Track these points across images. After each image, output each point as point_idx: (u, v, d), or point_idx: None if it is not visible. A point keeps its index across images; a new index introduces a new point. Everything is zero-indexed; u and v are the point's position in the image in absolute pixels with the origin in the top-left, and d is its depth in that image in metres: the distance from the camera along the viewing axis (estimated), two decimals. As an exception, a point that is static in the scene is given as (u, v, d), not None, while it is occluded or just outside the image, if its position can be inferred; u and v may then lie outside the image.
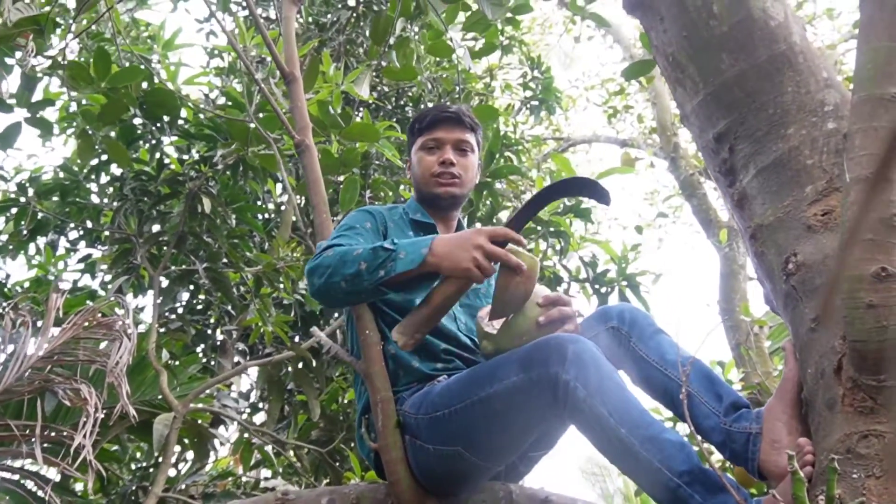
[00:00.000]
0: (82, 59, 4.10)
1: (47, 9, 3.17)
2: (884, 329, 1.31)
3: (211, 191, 3.91)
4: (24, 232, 4.25)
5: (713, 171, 1.96)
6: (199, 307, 5.12)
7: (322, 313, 4.38)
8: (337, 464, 4.15)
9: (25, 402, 2.62)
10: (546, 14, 11.33)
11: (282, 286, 4.23)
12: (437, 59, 5.43)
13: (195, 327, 4.90)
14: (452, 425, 1.80)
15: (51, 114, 5.02)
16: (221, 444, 4.30)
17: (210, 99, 4.97)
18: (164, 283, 4.33)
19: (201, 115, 4.06)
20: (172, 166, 4.14)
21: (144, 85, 3.87)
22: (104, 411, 2.84)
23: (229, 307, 4.71)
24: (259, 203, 4.82)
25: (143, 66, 3.71)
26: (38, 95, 3.72)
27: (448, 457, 1.83)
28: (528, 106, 6.77)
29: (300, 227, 4.33)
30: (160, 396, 3.46)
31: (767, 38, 1.82)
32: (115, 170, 4.22)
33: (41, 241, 4.54)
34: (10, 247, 4.43)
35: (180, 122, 4.10)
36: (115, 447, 3.96)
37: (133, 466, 4.45)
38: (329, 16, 6.02)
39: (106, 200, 4.33)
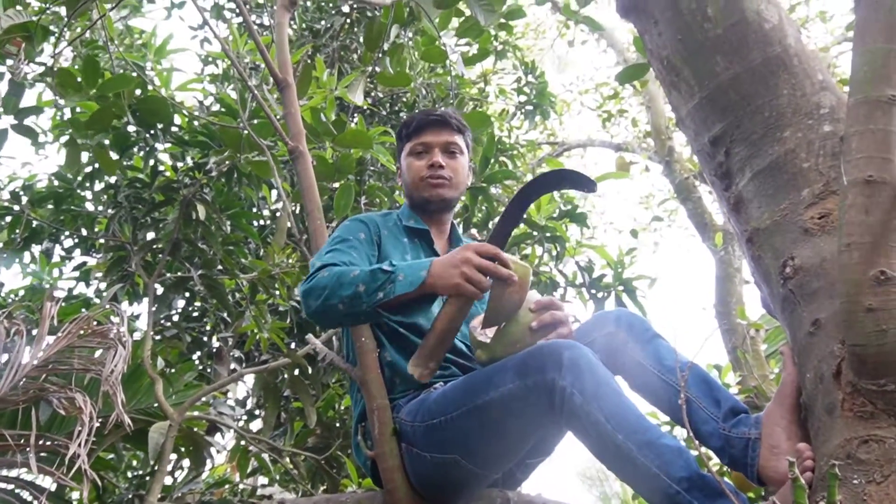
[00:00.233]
0: (76, 67, 4.09)
1: (36, 17, 3.15)
2: (883, 333, 1.30)
3: (205, 197, 3.89)
4: (19, 240, 4.23)
5: (709, 174, 1.95)
6: (195, 314, 5.11)
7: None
8: (334, 471, 4.13)
9: (20, 411, 2.60)
10: (539, 19, 11.35)
11: (277, 293, 4.21)
12: (431, 65, 5.43)
13: (191, 335, 4.88)
14: (449, 433, 1.79)
15: (44, 121, 5.00)
16: (218, 451, 4.29)
17: (204, 106, 4.96)
18: (160, 290, 4.31)
19: (195, 122, 4.04)
20: (167, 173, 4.13)
21: (138, 92, 3.86)
22: (99, 420, 2.82)
23: (225, 314, 4.69)
24: (254, 210, 4.81)
25: (135, 74, 3.69)
26: (29, 102, 3.71)
27: (445, 464, 1.82)
28: (523, 111, 6.77)
29: (295, 233, 4.32)
30: (156, 405, 3.44)
31: (762, 41, 1.82)
32: (110, 177, 4.21)
33: (36, 249, 4.53)
34: (5, 255, 4.40)
35: (174, 129, 4.09)
36: (111, 456, 3.94)
37: (129, 475, 4.43)
38: (322, 22, 6.02)
39: (100, 208, 4.31)
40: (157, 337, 4.60)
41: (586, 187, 1.86)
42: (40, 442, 2.67)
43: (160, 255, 4.07)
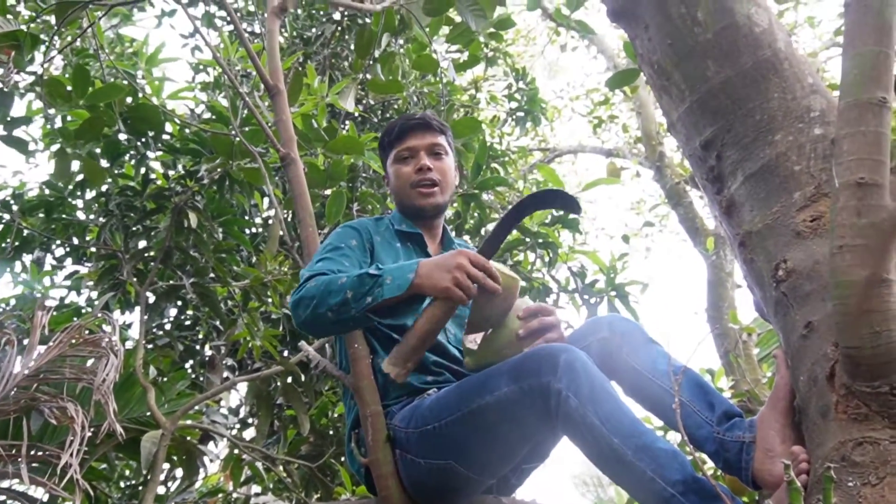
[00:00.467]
0: (67, 76, 4.07)
1: (24, 26, 3.14)
2: (877, 335, 1.30)
3: (197, 205, 3.88)
4: (9, 249, 4.20)
5: (700, 178, 1.95)
6: (188, 323, 5.09)
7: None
8: (328, 479, 4.12)
9: (11, 421, 2.59)
10: (530, 25, 11.38)
11: (270, 300, 4.20)
12: (422, 74, 5.44)
13: (183, 343, 4.86)
14: (443, 438, 1.78)
15: (35, 130, 4.98)
16: (211, 460, 4.26)
17: (195, 114, 4.95)
18: (152, 298, 4.29)
19: (186, 130, 4.04)
20: (158, 181, 4.12)
21: (129, 100, 3.85)
22: (91, 429, 2.80)
23: (217, 322, 4.67)
24: (246, 217, 4.80)
25: (125, 82, 3.68)
26: (19, 112, 3.69)
27: (439, 471, 1.81)
28: (514, 117, 6.78)
29: (287, 241, 4.31)
30: (148, 414, 3.42)
31: (752, 45, 1.83)
32: (100, 186, 4.19)
33: (27, 258, 4.50)
34: (-5, 264, 4.38)
35: (165, 136, 4.08)
36: (104, 466, 3.91)
37: (122, 485, 4.40)
38: (314, 30, 6.02)
39: (91, 217, 4.30)
40: (150, 346, 4.59)
41: (574, 209, 1.89)
42: (32, 452, 2.64)
43: (152, 264, 4.05)
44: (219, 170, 3.76)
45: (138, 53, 4.75)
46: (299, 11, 6.38)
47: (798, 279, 1.59)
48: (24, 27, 3.32)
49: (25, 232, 4.21)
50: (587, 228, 11.46)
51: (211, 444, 4.60)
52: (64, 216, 4.21)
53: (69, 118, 3.77)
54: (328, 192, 3.61)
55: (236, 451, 4.08)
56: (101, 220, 4.09)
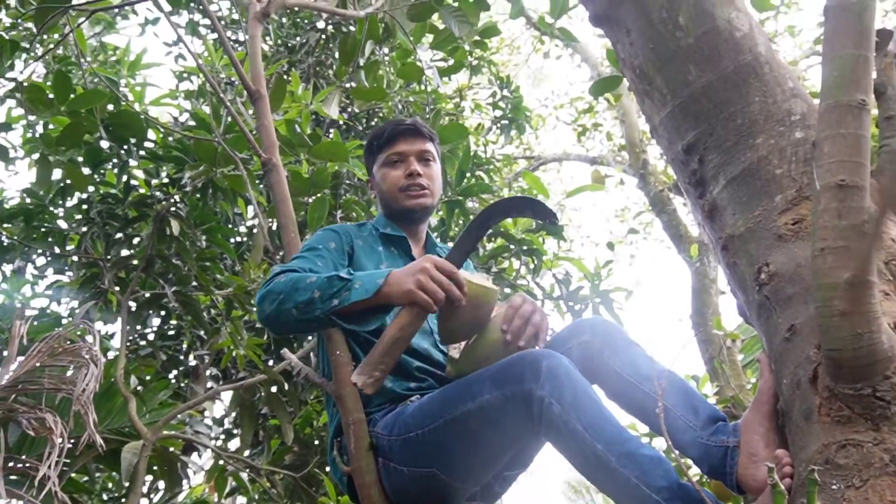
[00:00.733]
0: (48, 83, 4.04)
1: (4, 33, 3.11)
2: (859, 337, 1.30)
3: (179, 213, 3.85)
4: (-11, 258, 4.16)
5: (683, 182, 1.95)
6: (171, 333, 5.05)
7: (295, 336, 4.33)
8: (313, 489, 4.08)
9: (-11, 432, 2.55)
10: (514, 34, 11.41)
11: (254, 309, 4.17)
12: (407, 83, 5.44)
13: (167, 353, 4.82)
14: (426, 446, 1.76)
15: (14, 137, 4.93)
16: (195, 472, 4.22)
17: (179, 122, 4.92)
18: (134, 307, 4.26)
19: (169, 138, 4.01)
20: (140, 189, 4.08)
21: (112, 108, 3.82)
22: (71, 441, 2.77)
23: (201, 332, 4.64)
24: (230, 225, 4.77)
25: (107, 89, 3.65)
26: (-1, 119, 3.66)
27: (422, 478, 1.79)
28: (499, 125, 6.79)
29: (270, 249, 4.29)
30: (130, 424, 3.39)
31: (733, 49, 1.83)
32: (82, 193, 4.15)
33: (7, 267, 4.45)
34: (-25, 274, 4.33)
35: (148, 144, 4.05)
36: (85, 478, 3.87)
37: (105, 497, 4.35)
38: (298, 38, 6.01)
39: (73, 225, 4.26)
40: (132, 356, 4.55)
41: (548, 218, 1.84)
42: (9, 464, 2.61)
43: (134, 272, 4.02)
44: (202, 177, 3.74)
45: (121, 61, 4.71)
46: (284, 20, 6.38)
47: (780, 282, 1.59)
48: (3, 34, 3.29)
49: (5, 240, 4.16)
50: (572, 236, 11.51)
51: (195, 455, 4.56)
52: (45, 224, 4.17)
53: (50, 125, 3.74)
54: (312, 199, 3.59)
55: (220, 462, 4.04)
56: (83, 228, 4.05)
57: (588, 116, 10.69)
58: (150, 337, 4.97)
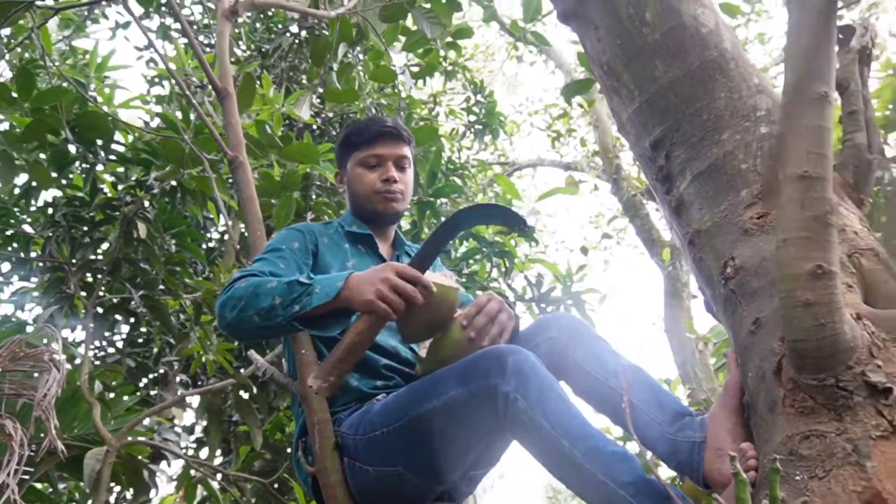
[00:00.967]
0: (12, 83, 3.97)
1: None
2: (822, 327, 1.30)
3: (147, 215, 3.80)
4: (-50, 263, 4.08)
5: (650, 179, 1.95)
6: (140, 340, 4.98)
7: (267, 341, 4.28)
8: (286, 497, 4.03)
9: (-55, 440, 2.48)
10: (489, 41, 11.45)
11: (223, 313, 4.11)
12: (380, 86, 5.41)
13: (135, 360, 4.75)
14: (392, 444, 1.74)
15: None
16: (166, 481, 4.15)
17: (150, 127, 4.86)
18: (101, 311, 4.19)
19: (136, 138, 3.96)
20: (107, 191, 4.02)
21: (78, 109, 3.76)
22: (32, 448, 2.70)
23: (170, 338, 4.58)
24: (202, 230, 4.71)
25: (73, 88, 3.60)
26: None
27: (388, 478, 1.77)
28: (473, 130, 6.79)
29: (241, 255, 4.24)
30: (96, 431, 3.32)
31: (699, 45, 1.83)
32: (47, 195, 4.09)
33: (-30, 273, 4.37)
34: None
35: (116, 146, 3.99)
36: (50, 490, 3.79)
37: (69, 506, 4.27)
38: (272, 42, 5.98)
39: (37, 228, 4.18)
40: (99, 363, 4.48)
41: (517, 225, 1.80)
42: (-33, 470, 2.55)
43: (100, 276, 3.95)
44: (170, 179, 3.69)
45: (90, 62, 4.65)
46: (257, 25, 6.34)
47: (746, 276, 1.58)
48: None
49: (-32, 245, 4.09)
50: (547, 242, 11.53)
51: (164, 464, 4.49)
52: (8, 227, 4.09)
53: (14, 124, 3.68)
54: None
55: (191, 471, 3.97)
56: (48, 231, 3.98)
57: (562, 122, 10.73)
58: (120, 344, 4.90)
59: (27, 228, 4.18)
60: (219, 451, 4.76)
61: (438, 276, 1.77)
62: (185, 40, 6.01)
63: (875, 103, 3.98)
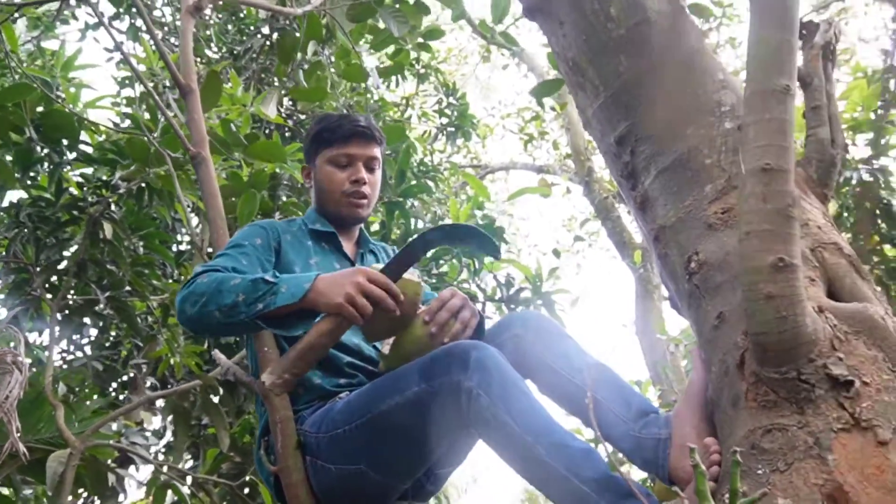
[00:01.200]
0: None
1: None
2: (783, 320, 1.29)
3: (113, 216, 3.74)
4: (-89, 265, 3.99)
5: (616, 175, 1.95)
6: (108, 344, 4.91)
7: (237, 341, 4.23)
8: (256, 501, 3.98)
9: None
10: (461, 44, 11.46)
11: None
12: (353, 86, 5.38)
13: (103, 363, 4.68)
14: (354, 442, 1.71)
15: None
16: (138, 487, 4.08)
17: (118, 127, 4.79)
18: (67, 313, 4.12)
19: (102, 138, 3.90)
20: (73, 191, 3.96)
21: (44, 108, 3.70)
22: (-9, 451, 2.64)
23: (139, 341, 4.51)
24: (171, 233, 4.65)
25: (37, 86, 3.54)
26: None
27: (351, 476, 1.74)
28: (445, 132, 6.78)
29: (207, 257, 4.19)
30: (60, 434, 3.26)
31: (664, 41, 1.83)
32: (11, 196, 4.01)
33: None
34: None
35: (83, 146, 3.93)
36: (9, 491, 3.71)
37: (33, 511, 4.18)
38: (243, 44, 5.93)
39: (2, 229, 4.10)
40: (66, 366, 4.40)
41: (490, 253, 1.78)
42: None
43: (65, 277, 3.89)
44: (136, 179, 3.63)
45: (56, 61, 4.58)
46: (229, 27, 6.29)
47: (710, 271, 1.58)
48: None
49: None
50: (520, 245, 11.54)
51: (132, 468, 4.42)
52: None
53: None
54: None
55: (158, 475, 3.91)
56: (12, 232, 3.90)
57: (535, 125, 10.75)
58: (88, 349, 4.82)
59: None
60: (188, 455, 4.71)
61: (408, 275, 1.74)
62: (154, 44, 5.96)
63: (843, 105, 4.02)
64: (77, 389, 4.21)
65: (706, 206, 1.66)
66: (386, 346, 1.85)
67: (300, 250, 2.03)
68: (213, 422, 3.67)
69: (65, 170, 3.96)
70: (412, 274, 1.75)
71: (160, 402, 4.56)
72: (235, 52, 5.96)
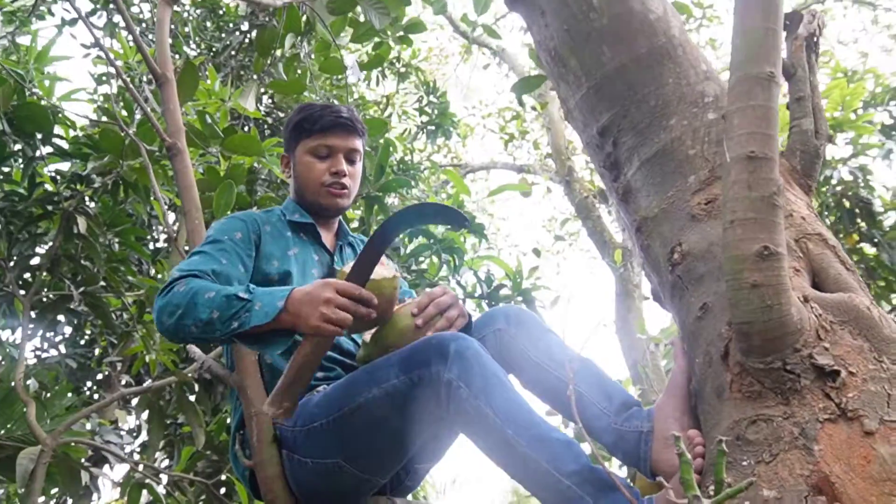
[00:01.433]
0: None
1: None
2: (769, 309, 1.27)
3: (87, 210, 3.67)
4: None
5: (598, 166, 1.93)
6: (83, 342, 4.84)
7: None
8: (233, 499, 3.93)
9: None
10: (442, 44, 11.44)
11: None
12: (332, 80, 5.34)
13: (77, 361, 4.61)
14: (331, 436, 1.67)
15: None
16: (113, 487, 4.01)
17: (94, 120, 4.73)
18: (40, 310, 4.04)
19: (78, 133, 3.83)
20: (47, 185, 3.89)
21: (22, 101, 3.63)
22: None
23: (113, 338, 4.45)
24: (147, 229, 4.59)
25: (10, 78, 3.47)
26: None
27: (328, 471, 1.70)
28: (425, 131, 6.75)
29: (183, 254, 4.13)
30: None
31: (647, 31, 1.81)
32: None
33: None
34: None
35: (57, 140, 3.86)
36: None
37: (5, 509, 4.11)
38: (222, 41, 5.88)
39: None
40: (39, 365, 4.34)
41: (459, 223, 1.69)
42: None
43: (38, 273, 3.82)
44: (112, 174, 3.57)
45: (29, 52, 4.49)
46: (208, 24, 6.23)
47: (693, 261, 1.56)
48: None
49: None
50: (500, 245, 11.53)
51: (106, 467, 4.35)
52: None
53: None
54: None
55: (135, 475, 3.85)
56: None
57: (515, 124, 10.74)
58: (62, 348, 4.75)
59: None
60: (164, 455, 4.65)
61: (379, 267, 1.68)
62: (132, 37, 5.89)
63: (824, 104, 4.03)
64: (50, 387, 4.13)
65: (689, 197, 1.64)
66: (368, 334, 1.80)
67: (279, 241, 1.99)
68: (188, 419, 3.62)
69: (38, 165, 3.89)
70: (387, 267, 1.70)
71: (135, 401, 4.50)
72: (214, 48, 5.90)
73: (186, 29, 6.12)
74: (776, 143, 1.33)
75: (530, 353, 1.80)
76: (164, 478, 3.81)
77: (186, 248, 4.20)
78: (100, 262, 3.80)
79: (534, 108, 9.70)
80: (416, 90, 7.02)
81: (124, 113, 3.97)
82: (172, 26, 6.25)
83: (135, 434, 4.86)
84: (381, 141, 3.54)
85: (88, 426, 3.67)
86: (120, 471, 4.60)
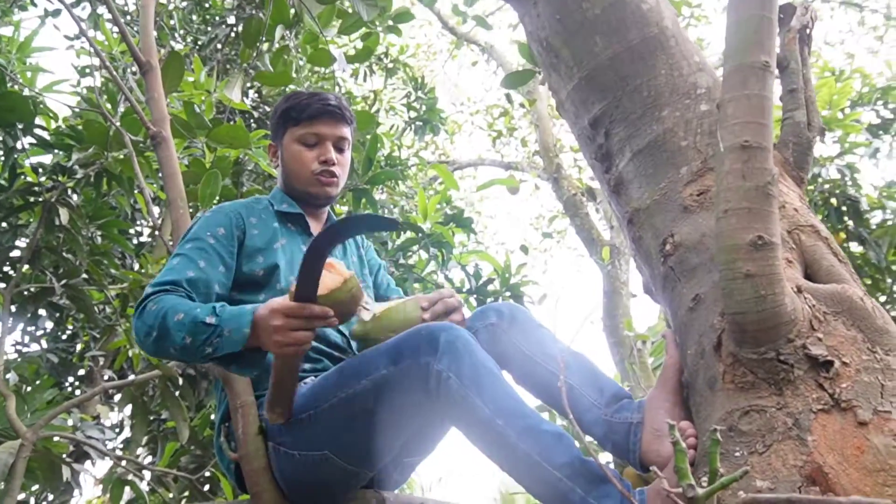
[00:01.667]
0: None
1: None
2: (762, 299, 1.26)
3: (69, 202, 3.63)
4: None
5: (589, 158, 1.91)
6: (64, 336, 4.79)
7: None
8: (218, 494, 3.90)
9: None
10: (430, 41, 11.41)
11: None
12: (321, 73, 5.31)
13: (59, 356, 4.56)
14: (319, 427, 1.65)
15: None
16: (95, 483, 3.97)
17: (78, 111, 4.68)
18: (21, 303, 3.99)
19: (60, 124, 3.79)
20: (28, 177, 3.84)
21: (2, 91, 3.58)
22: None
23: (96, 332, 4.40)
24: (131, 222, 4.55)
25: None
26: None
27: (315, 463, 1.67)
28: (413, 126, 6.73)
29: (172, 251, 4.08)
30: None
31: (640, 22, 1.80)
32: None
33: None
34: None
35: (38, 132, 3.81)
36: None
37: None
38: (208, 34, 5.84)
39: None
40: (20, 359, 4.28)
41: (389, 228, 1.70)
42: None
43: (19, 265, 3.77)
44: (95, 165, 3.53)
45: (11, 42, 4.44)
46: (193, 17, 6.18)
47: (685, 253, 1.55)
48: None
49: None
50: (488, 243, 11.52)
51: (88, 464, 4.31)
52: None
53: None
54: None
55: (117, 471, 3.80)
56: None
57: (503, 121, 10.73)
58: (44, 342, 4.69)
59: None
60: (147, 451, 4.60)
61: (329, 280, 1.62)
62: (116, 27, 5.83)
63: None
64: (31, 381, 4.08)
65: (681, 189, 1.63)
66: (366, 314, 1.75)
67: (266, 232, 1.95)
68: (172, 414, 3.57)
69: (19, 156, 3.84)
70: (337, 269, 1.64)
71: (118, 397, 4.46)
72: (200, 41, 5.86)
73: (172, 21, 6.07)
74: (771, 132, 1.32)
75: (523, 347, 1.78)
76: (148, 473, 3.77)
77: (171, 240, 4.17)
78: (82, 254, 3.76)
79: (522, 105, 9.69)
80: (404, 86, 6.99)
81: (109, 106, 3.93)
82: (158, 19, 6.20)
83: (117, 430, 4.82)
84: (369, 136, 3.51)
85: (70, 421, 3.63)
86: (102, 467, 4.56)
